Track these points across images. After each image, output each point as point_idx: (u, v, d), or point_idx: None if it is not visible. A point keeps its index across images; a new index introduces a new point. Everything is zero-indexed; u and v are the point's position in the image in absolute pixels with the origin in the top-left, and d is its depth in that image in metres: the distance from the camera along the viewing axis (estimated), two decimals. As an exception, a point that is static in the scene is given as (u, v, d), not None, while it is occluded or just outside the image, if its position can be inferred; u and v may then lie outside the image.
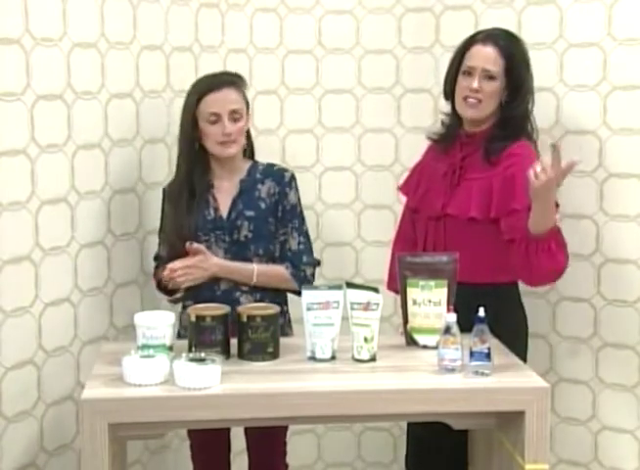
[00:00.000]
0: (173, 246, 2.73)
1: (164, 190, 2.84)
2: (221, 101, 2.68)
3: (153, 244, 2.94)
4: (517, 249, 2.57)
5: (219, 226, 2.74)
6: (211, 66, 3.14)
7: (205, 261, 2.68)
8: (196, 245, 2.67)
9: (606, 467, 3.12)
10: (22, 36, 2.49)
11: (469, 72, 2.73)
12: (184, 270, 2.66)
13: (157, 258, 2.86)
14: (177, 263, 2.66)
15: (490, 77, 2.70)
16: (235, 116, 2.70)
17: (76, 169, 2.72)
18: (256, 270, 2.71)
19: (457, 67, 2.77)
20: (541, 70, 2.94)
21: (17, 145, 2.51)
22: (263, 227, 2.74)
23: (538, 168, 2.42)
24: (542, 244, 2.52)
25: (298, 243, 2.78)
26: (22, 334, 2.58)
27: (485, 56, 2.71)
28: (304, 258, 2.78)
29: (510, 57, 2.71)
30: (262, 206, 2.75)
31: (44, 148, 2.59)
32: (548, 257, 2.53)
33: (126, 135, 2.92)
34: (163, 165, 3.08)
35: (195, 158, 2.74)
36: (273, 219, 2.75)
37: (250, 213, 2.74)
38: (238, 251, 2.73)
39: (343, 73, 3.34)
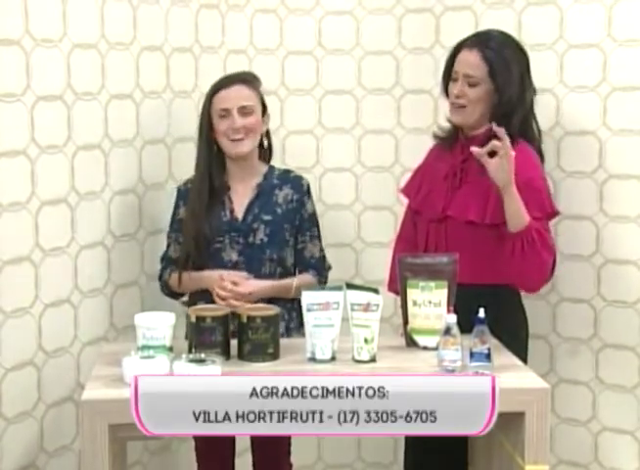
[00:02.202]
0: (188, 246, 2.73)
1: (179, 189, 2.85)
2: (231, 97, 2.72)
3: (153, 245, 2.94)
4: (506, 250, 2.57)
5: (234, 228, 2.75)
6: (212, 66, 3.14)
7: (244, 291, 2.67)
8: (227, 274, 2.68)
9: (606, 468, 3.12)
10: (22, 37, 2.49)
11: (455, 78, 2.73)
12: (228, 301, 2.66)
13: (165, 259, 2.86)
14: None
15: (473, 83, 2.69)
16: (244, 111, 2.73)
17: (76, 170, 2.71)
18: (295, 285, 2.74)
19: (449, 70, 2.77)
20: (541, 71, 2.94)
21: (17, 146, 2.51)
22: (279, 232, 2.76)
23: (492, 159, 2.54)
24: (526, 236, 2.53)
25: (320, 250, 2.85)
26: (22, 335, 2.58)
27: (468, 61, 2.70)
28: (325, 265, 2.86)
29: (492, 61, 2.66)
30: (279, 211, 2.77)
31: (44, 149, 2.59)
32: (533, 252, 2.54)
33: (126, 136, 2.92)
34: (164, 166, 3.08)
35: (212, 158, 2.76)
36: (288, 226, 2.78)
37: (267, 217, 2.76)
38: (252, 254, 2.74)
39: (344, 74, 3.34)
